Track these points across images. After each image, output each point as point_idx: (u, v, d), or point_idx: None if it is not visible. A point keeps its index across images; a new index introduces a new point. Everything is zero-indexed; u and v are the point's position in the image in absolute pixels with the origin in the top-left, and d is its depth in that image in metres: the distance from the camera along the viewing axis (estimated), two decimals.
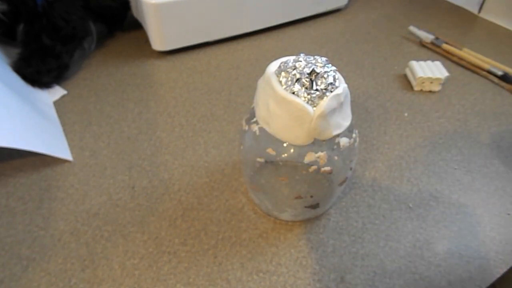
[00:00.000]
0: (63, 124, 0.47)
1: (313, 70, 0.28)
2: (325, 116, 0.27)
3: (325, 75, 0.28)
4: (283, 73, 0.28)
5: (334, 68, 0.29)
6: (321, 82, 0.28)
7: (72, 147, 0.44)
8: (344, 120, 0.30)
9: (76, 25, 0.55)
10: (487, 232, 0.37)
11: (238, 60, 0.60)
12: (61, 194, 0.39)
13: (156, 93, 0.53)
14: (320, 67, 0.28)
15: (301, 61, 0.28)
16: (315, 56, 0.29)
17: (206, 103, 0.51)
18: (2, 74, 0.47)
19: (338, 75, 0.29)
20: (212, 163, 0.43)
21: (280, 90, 0.28)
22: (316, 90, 0.27)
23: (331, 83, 0.28)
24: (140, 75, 0.56)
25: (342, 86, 0.28)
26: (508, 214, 0.39)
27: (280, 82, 0.28)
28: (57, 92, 0.52)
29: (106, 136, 0.46)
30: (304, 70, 0.28)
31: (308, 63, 0.28)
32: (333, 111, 0.28)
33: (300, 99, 0.27)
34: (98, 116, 0.49)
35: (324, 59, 0.29)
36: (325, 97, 0.27)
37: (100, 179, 0.41)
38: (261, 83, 0.30)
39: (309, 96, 0.27)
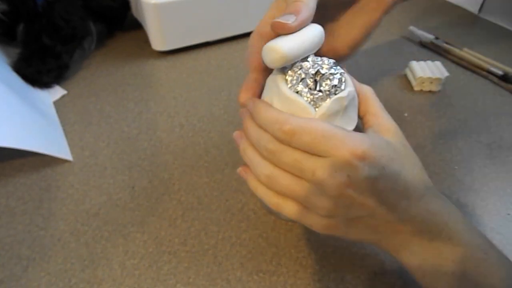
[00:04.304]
0: (63, 124, 0.47)
1: (318, 71, 0.27)
2: (326, 118, 0.27)
3: (331, 77, 0.27)
4: (289, 72, 0.28)
5: (341, 70, 0.28)
6: (326, 84, 0.27)
7: (72, 147, 0.44)
8: (348, 124, 0.29)
9: (76, 25, 0.55)
10: (487, 232, 0.37)
11: (238, 60, 0.59)
12: (61, 194, 0.39)
13: (156, 93, 0.53)
14: (326, 68, 0.28)
15: (308, 61, 0.28)
16: (323, 58, 0.29)
17: (206, 103, 0.51)
18: (2, 74, 0.47)
19: (345, 77, 0.28)
20: (212, 163, 0.43)
21: (285, 88, 0.27)
22: (320, 91, 0.27)
23: (335, 85, 0.27)
24: (140, 75, 0.56)
25: (347, 90, 0.28)
26: (508, 214, 0.39)
27: (286, 80, 0.28)
28: (57, 92, 0.52)
29: (106, 136, 0.46)
30: (310, 70, 0.27)
31: (315, 63, 0.28)
32: (335, 114, 0.27)
33: (302, 99, 0.27)
34: (98, 116, 0.49)
35: (332, 61, 0.28)
36: (328, 99, 0.27)
37: (100, 179, 0.41)
38: (268, 80, 0.30)
39: (312, 97, 0.27)
